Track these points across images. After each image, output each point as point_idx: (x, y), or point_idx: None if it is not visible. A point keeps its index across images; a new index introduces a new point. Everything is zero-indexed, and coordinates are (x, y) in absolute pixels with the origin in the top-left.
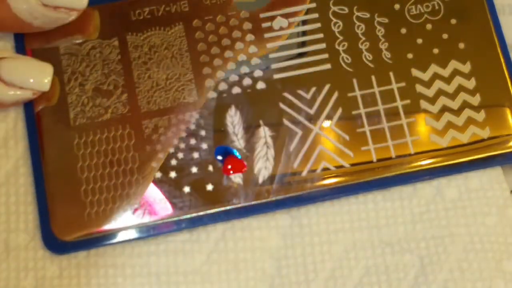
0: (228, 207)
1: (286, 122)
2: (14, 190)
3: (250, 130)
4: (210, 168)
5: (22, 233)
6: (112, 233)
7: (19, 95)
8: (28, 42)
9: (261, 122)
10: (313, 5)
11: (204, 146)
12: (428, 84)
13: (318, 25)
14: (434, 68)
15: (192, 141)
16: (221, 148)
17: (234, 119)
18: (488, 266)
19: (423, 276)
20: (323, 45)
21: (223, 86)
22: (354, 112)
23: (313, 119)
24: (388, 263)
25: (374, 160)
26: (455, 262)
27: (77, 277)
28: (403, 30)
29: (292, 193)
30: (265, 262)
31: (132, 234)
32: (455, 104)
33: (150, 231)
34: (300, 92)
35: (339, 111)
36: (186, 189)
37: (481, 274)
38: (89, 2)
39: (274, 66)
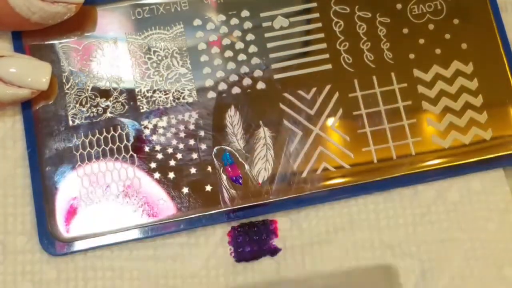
0: (227, 209)
1: (286, 122)
2: (12, 191)
3: (249, 130)
4: (209, 169)
5: (19, 235)
6: (110, 235)
7: (18, 94)
8: (26, 41)
9: (261, 122)
10: (314, 4)
11: (203, 146)
12: (430, 85)
13: (319, 24)
14: (436, 69)
15: (191, 142)
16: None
17: (233, 120)
18: (489, 272)
19: (423, 281)
20: (324, 45)
21: (222, 86)
22: (355, 113)
23: (313, 119)
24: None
25: (375, 161)
26: (456, 268)
27: (74, 280)
28: (405, 30)
29: (292, 195)
30: (265, 265)
31: (130, 235)
32: (457, 105)
33: (149, 232)
34: (301, 92)
35: (340, 111)
36: (185, 190)
37: (482, 280)
38: (89, 1)
39: (274, 66)
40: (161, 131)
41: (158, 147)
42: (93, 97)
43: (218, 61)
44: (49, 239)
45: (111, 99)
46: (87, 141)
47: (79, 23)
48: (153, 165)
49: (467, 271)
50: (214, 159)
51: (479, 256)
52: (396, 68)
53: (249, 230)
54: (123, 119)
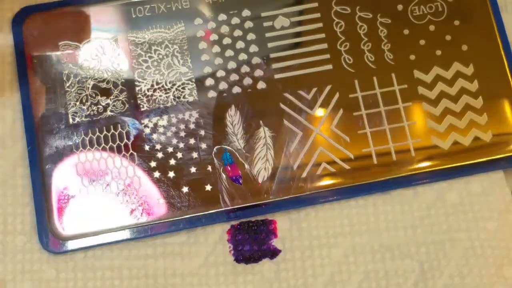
0: (227, 208)
1: (286, 122)
2: (11, 191)
3: (250, 130)
4: (209, 168)
5: (19, 235)
6: (109, 233)
7: None
8: (27, 38)
9: (261, 122)
10: (315, 4)
11: (204, 146)
12: (430, 86)
13: (320, 25)
14: (436, 70)
15: (192, 141)
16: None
17: (234, 119)
18: (489, 271)
19: (423, 282)
20: (324, 45)
21: (223, 86)
22: (355, 114)
23: (313, 120)
24: (387, 268)
25: (375, 162)
26: (455, 268)
27: (73, 279)
28: (406, 31)
29: (291, 195)
30: (264, 265)
31: (130, 234)
32: (457, 107)
33: (148, 232)
34: (301, 92)
35: (340, 112)
36: (185, 189)
37: (482, 279)
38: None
39: (274, 65)
40: (161, 130)
41: (158, 146)
42: (94, 95)
43: (219, 60)
44: (49, 237)
45: (112, 97)
46: (87, 139)
47: (80, 21)
48: (153, 164)
49: (466, 270)
50: (214, 159)
51: (479, 255)
52: (396, 69)
53: (248, 229)
54: (123, 118)
